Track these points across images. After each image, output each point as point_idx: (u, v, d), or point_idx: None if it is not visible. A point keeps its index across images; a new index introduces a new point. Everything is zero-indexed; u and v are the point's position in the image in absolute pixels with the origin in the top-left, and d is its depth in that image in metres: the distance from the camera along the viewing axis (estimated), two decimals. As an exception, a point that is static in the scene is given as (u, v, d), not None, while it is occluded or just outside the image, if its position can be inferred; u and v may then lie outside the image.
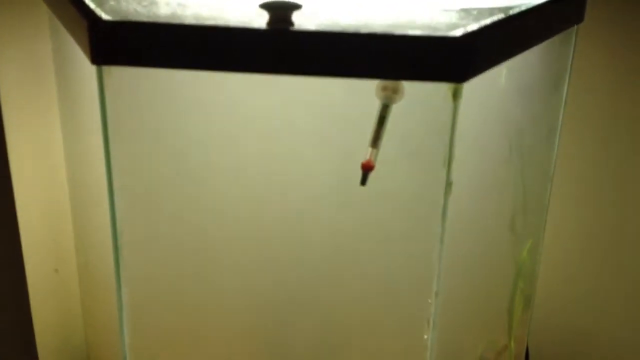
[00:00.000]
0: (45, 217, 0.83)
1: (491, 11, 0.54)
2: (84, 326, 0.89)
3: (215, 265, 0.62)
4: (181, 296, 0.63)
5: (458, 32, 0.48)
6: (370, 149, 0.52)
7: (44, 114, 0.80)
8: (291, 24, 0.48)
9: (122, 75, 0.51)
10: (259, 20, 0.49)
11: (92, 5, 0.51)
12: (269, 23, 0.48)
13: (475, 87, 0.52)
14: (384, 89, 0.51)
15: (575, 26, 0.71)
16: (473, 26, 0.49)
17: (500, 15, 0.53)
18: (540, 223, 0.78)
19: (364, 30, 0.47)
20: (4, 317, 0.84)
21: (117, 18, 0.49)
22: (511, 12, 0.55)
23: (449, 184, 0.51)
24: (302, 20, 0.49)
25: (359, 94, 0.53)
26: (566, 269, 0.93)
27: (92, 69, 0.51)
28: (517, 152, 0.67)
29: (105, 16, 0.48)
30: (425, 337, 0.55)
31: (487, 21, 0.51)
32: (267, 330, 0.66)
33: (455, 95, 0.50)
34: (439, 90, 0.50)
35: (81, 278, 0.86)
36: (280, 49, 0.48)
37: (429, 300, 0.54)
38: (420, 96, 0.52)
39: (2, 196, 0.78)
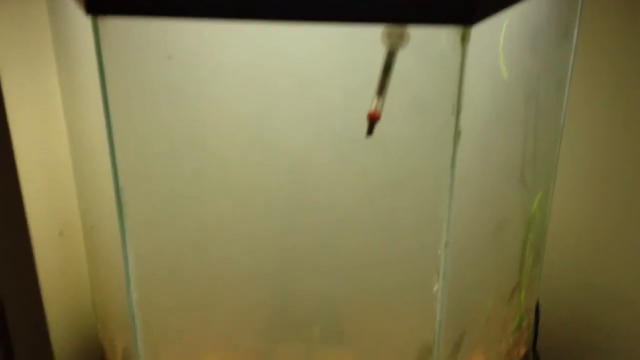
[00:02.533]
0: (47, 180, 0.82)
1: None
2: (90, 288, 0.90)
3: (219, 219, 0.61)
4: (186, 250, 0.63)
5: (466, -28, 0.46)
6: (375, 98, 0.50)
7: (40, 72, 0.79)
8: (290, -33, 0.46)
9: (117, 26, 0.49)
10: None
11: (83, -46, 0.49)
12: (268, -33, 0.47)
13: (484, 32, 0.50)
14: (389, 35, 0.49)
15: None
16: (481, -34, 0.47)
17: (510, -45, 0.51)
18: (550, 175, 0.77)
19: (367, -28, 0.45)
20: (10, 283, 0.84)
21: (110, -34, 0.47)
22: (521, -48, 0.52)
23: (458, 133, 0.50)
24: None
25: (363, 42, 0.51)
26: (577, 223, 0.92)
27: (86, 20, 0.49)
28: (527, 101, 0.66)
29: (97, -36, 0.47)
30: (435, 288, 0.55)
31: (496, -39, 0.49)
32: (274, 285, 0.65)
33: (464, 40, 0.48)
34: (446, 34, 0.48)
35: (86, 240, 0.85)
36: (280, -6, 0.46)
37: (439, 252, 0.53)
38: (427, 42, 0.50)
39: (3, 160, 0.77)
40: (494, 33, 0.55)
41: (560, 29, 0.72)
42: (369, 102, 0.50)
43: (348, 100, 0.54)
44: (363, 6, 0.46)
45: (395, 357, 0.65)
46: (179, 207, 0.61)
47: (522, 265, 0.75)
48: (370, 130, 0.51)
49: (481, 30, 0.49)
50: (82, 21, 0.51)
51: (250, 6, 0.47)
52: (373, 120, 0.50)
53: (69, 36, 0.66)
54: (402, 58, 0.50)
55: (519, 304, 0.77)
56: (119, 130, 0.55)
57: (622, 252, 0.90)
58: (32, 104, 0.79)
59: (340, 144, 0.55)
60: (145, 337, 0.66)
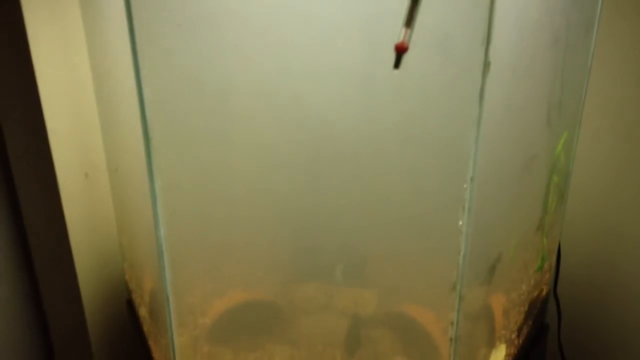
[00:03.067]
0: (73, 124, 0.83)
1: None
2: (117, 229, 0.91)
3: (245, 157, 0.61)
4: (212, 189, 0.63)
5: None
6: (403, 29, 0.50)
7: (64, 13, 0.79)
8: None
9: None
10: None
11: None
12: None
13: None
14: (419, -38, 0.48)
15: None
16: None
17: None
18: (576, 116, 0.76)
19: None
20: (38, 226, 0.85)
21: None
22: None
23: (487, 64, 0.49)
24: None
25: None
26: (602, 167, 0.91)
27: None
28: (555, 39, 0.64)
29: None
30: (460, 223, 0.55)
31: None
32: (298, 223, 0.66)
33: (495, -33, 0.47)
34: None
35: (112, 182, 0.86)
36: None
37: (464, 186, 0.53)
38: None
39: (30, 105, 0.78)
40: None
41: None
42: (396, 33, 0.50)
43: (373, 35, 0.53)
44: None
45: (418, 293, 0.65)
46: (205, 145, 0.61)
47: (546, 206, 0.74)
48: (397, 63, 0.50)
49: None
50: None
51: None
52: (400, 51, 0.50)
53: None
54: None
55: (542, 245, 0.78)
56: (147, 68, 0.55)
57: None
58: (56, 48, 0.79)
59: (367, 78, 0.55)
60: (172, 276, 0.67)
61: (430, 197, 0.57)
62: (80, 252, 0.87)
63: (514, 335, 0.78)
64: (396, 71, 0.50)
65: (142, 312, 0.85)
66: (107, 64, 0.72)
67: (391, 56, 0.50)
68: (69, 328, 0.93)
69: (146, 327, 0.84)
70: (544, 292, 0.85)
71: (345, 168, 0.61)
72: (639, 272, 0.91)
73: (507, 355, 0.76)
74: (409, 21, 0.49)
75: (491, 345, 0.73)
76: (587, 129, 0.83)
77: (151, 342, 0.82)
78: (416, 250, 0.61)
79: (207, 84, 0.58)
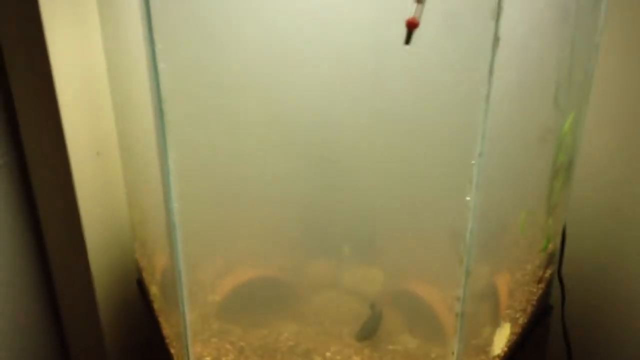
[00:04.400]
0: (85, 101, 0.84)
1: None
2: (128, 207, 0.92)
3: (257, 135, 0.62)
4: (224, 167, 0.64)
5: None
6: (415, 5, 0.50)
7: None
8: None
9: None
10: None
11: None
12: None
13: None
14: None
15: None
16: None
17: None
18: (584, 96, 0.76)
19: None
20: (49, 202, 0.86)
21: None
22: None
23: (497, 39, 0.50)
24: None
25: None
26: (610, 150, 0.91)
27: None
28: (564, 17, 0.65)
29: None
30: (468, 198, 0.55)
31: None
32: (308, 202, 0.66)
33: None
34: None
35: (124, 160, 0.87)
36: None
37: (472, 162, 0.54)
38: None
39: (43, 84, 0.78)
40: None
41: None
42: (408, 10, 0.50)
43: (384, 11, 0.54)
44: None
45: (425, 270, 0.66)
46: (217, 122, 0.62)
47: (552, 186, 0.75)
48: (408, 39, 0.51)
49: None
50: None
51: None
52: (411, 27, 0.50)
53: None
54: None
55: (547, 224, 0.78)
56: (162, 42, 0.55)
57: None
58: (69, 25, 0.79)
59: (378, 53, 0.56)
60: (184, 252, 0.68)
61: (439, 173, 0.58)
62: (91, 231, 0.88)
63: (518, 315, 0.79)
64: (407, 47, 0.51)
65: (153, 290, 0.86)
66: (120, 39, 0.72)
67: (402, 32, 0.51)
68: (80, 307, 0.94)
69: (157, 304, 0.85)
70: (549, 274, 0.86)
71: (354, 146, 0.62)
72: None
73: (511, 334, 0.77)
74: (421, -3, 0.50)
75: (496, 323, 0.73)
76: (594, 110, 0.83)
77: (162, 320, 0.83)
78: (424, 226, 0.62)
79: (221, 59, 0.58)
